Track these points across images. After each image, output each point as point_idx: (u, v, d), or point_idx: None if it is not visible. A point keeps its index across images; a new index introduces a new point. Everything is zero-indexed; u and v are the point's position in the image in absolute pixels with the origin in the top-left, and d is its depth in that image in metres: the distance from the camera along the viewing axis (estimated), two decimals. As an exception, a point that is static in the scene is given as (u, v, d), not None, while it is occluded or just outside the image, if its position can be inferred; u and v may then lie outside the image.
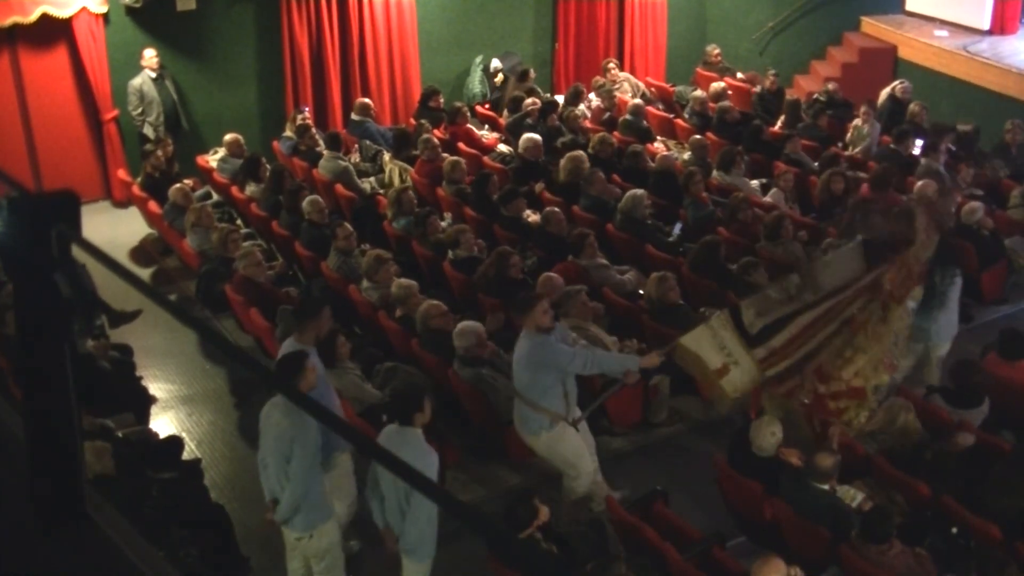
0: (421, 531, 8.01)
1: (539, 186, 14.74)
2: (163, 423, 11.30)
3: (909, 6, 20.22)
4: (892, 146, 15.67)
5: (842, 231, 10.83)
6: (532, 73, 18.68)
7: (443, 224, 13.63)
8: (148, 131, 16.38)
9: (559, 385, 9.14)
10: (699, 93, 18.07)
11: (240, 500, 10.07)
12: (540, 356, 9.05)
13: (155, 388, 11.77)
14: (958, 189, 13.52)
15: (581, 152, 15.11)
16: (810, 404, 9.09)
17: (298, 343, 8.88)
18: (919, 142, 15.50)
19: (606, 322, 11.38)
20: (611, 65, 19.28)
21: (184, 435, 10.93)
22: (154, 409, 11.39)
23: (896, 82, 17.48)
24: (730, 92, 18.37)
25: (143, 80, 16.35)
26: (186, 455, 10.36)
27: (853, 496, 8.74)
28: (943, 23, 19.45)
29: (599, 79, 18.88)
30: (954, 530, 8.48)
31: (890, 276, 8.71)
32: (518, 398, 9.33)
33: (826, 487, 8.60)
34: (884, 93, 17.27)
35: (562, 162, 14.82)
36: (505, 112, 17.87)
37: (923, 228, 8.86)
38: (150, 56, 16.39)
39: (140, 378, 11.51)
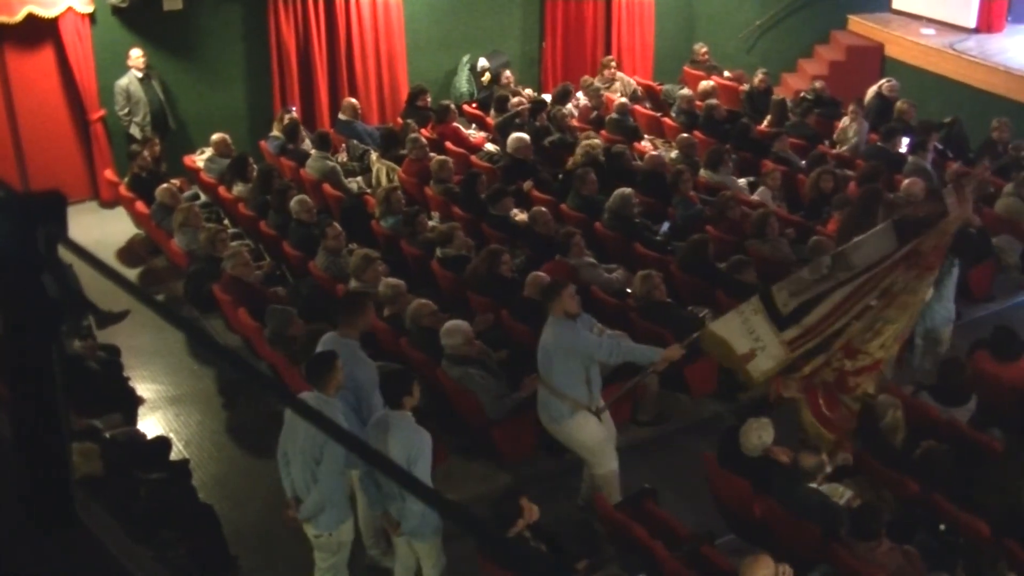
0: (422, 508, 8.03)
1: (528, 184, 14.74)
2: (151, 424, 11.28)
3: (896, 4, 20.26)
4: (880, 144, 15.70)
5: (852, 222, 10.93)
6: (508, 76, 18.64)
7: (431, 223, 13.62)
8: (135, 131, 16.37)
9: (583, 372, 9.22)
10: (687, 91, 18.09)
11: (228, 500, 10.07)
12: (567, 342, 9.15)
13: (143, 389, 11.75)
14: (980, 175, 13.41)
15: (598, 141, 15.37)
16: (832, 383, 9.11)
17: (341, 337, 8.96)
18: (906, 140, 15.55)
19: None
20: (612, 63, 19.31)
21: (172, 435, 10.92)
22: (142, 410, 11.37)
23: (883, 80, 17.50)
24: (718, 90, 18.39)
25: (130, 80, 16.33)
26: (174, 455, 10.36)
27: (842, 493, 8.76)
28: (930, 21, 19.50)
29: (588, 78, 18.89)
30: (943, 527, 8.50)
31: (928, 243, 8.82)
32: (541, 385, 9.38)
33: (814, 485, 8.63)
34: (871, 91, 17.30)
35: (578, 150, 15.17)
36: (492, 111, 17.88)
37: (953, 203, 8.92)
38: (137, 56, 16.36)
39: (128, 379, 11.49)
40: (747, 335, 8.93)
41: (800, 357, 8.99)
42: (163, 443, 10.30)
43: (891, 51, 19.34)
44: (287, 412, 8.34)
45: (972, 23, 19.03)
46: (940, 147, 15.49)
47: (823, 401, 9.06)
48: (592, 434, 9.43)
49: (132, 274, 14.41)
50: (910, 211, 9.39)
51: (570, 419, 9.34)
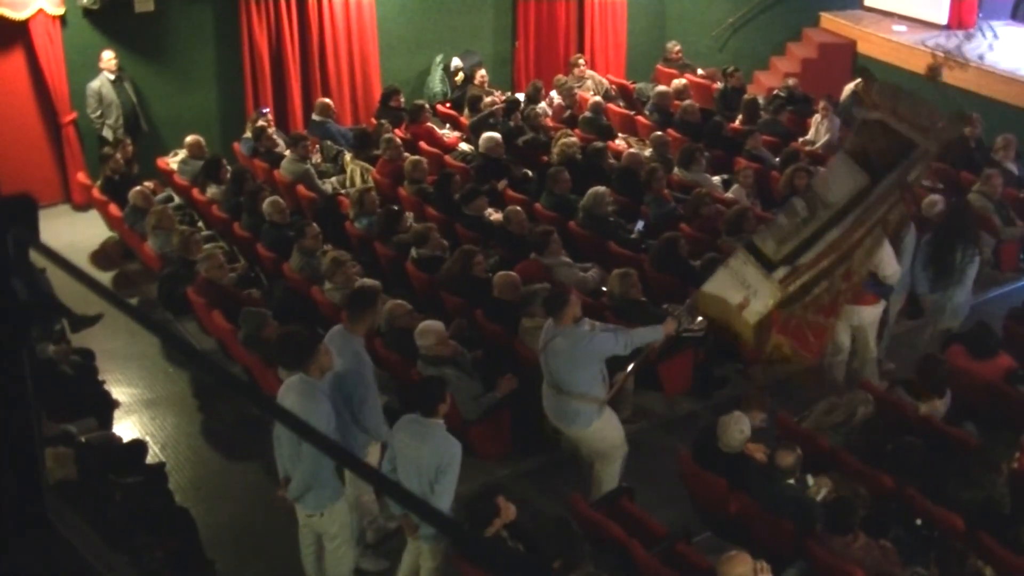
0: (445, 510, 8.12)
1: (502, 184, 14.75)
2: (126, 427, 11.24)
3: (868, 1, 20.33)
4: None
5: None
6: (482, 75, 18.64)
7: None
8: (107, 134, 16.32)
9: (600, 371, 9.37)
10: (661, 89, 18.11)
11: (205, 503, 10.05)
12: (588, 348, 9.23)
13: (118, 392, 11.72)
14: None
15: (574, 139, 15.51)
16: (827, 306, 9.57)
17: (348, 333, 8.98)
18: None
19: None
20: (580, 61, 19.33)
21: (148, 439, 10.89)
22: (117, 413, 11.33)
23: (859, 79, 17.56)
24: (691, 89, 18.43)
25: (101, 82, 16.27)
26: (150, 459, 10.33)
27: (818, 489, 8.79)
28: (901, 18, 19.55)
29: (561, 77, 18.90)
30: (918, 521, 8.54)
31: (915, 174, 9.32)
32: (559, 396, 9.42)
33: (791, 481, 8.66)
34: (847, 89, 17.34)
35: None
36: (466, 111, 17.88)
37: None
38: (108, 58, 16.30)
39: (102, 382, 11.45)
40: (739, 286, 9.28)
41: (798, 289, 9.29)
42: (139, 447, 10.26)
43: (863, 48, 19.41)
44: (278, 395, 8.41)
45: (944, 19, 19.10)
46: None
47: (810, 334, 9.51)
48: (617, 429, 9.63)
49: (106, 277, 14.36)
50: (857, 142, 9.62)
51: (599, 419, 9.43)
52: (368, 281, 11.38)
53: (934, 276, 11.34)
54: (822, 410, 9.72)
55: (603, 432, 9.52)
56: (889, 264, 10.69)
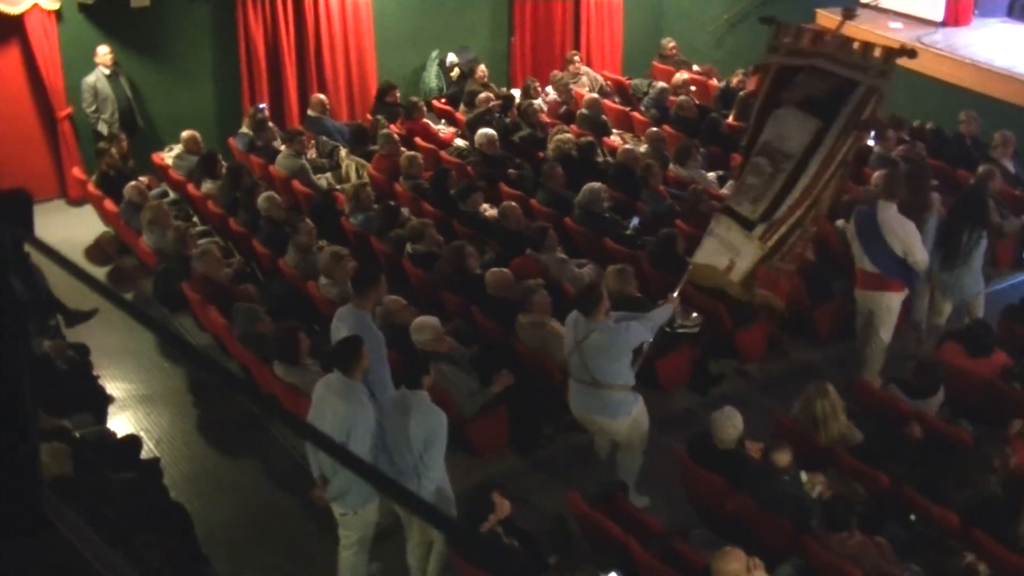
0: (436, 487, 8.36)
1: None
2: (121, 423, 11.23)
3: (864, -2, 20.30)
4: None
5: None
6: (482, 71, 18.63)
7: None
8: (103, 129, 16.28)
9: (630, 360, 9.52)
10: (662, 85, 18.11)
11: (200, 498, 10.04)
12: (625, 340, 9.39)
13: (113, 387, 11.70)
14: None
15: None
16: (798, 253, 9.93)
17: (357, 309, 9.30)
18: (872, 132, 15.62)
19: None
20: (575, 58, 19.32)
21: (143, 434, 10.86)
22: (112, 409, 11.33)
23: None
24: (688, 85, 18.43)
25: (97, 77, 16.24)
26: (145, 454, 10.32)
27: (812, 486, 8.80)
28: (897, 15, 19.53)
29: (557, 73, 18.90)
30: (912, 517, 8.55)
31: (868, 111, 9.48)
32: (597, 391, 9.49)
33: (786, 478, 8.66)
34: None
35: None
36: (462, 107, 17.88)
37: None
38: (104, 53, 16.27)
39: (98, 377, 11.44)
40: (724, 251, 9.61)
41: (777, 241, 9.54)
42: (134, 442, 10.26)
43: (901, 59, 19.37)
44: (315, 394, 8.57)
45: (940, 16, 19.07)
46: (907, 139, 15.58)
47: (781, 278, 9.84)
48: (647, 416, 9.77)
49: (101, 273, 14.32)
50: (798, 92, 9.76)
51: (636, 405, 9.61)
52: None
53: (943, 256, 11.51)
54: (799, 408, 9.73)
55: (639, 419, 9.67)
56: (919, 250, 10.89)
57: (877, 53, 9.76)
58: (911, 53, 9.74)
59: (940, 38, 18.35)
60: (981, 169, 13.41)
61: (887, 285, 11.12)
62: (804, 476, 8.86)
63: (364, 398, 8.34)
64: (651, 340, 9.70)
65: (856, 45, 9.87)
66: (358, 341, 8.56)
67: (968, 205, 11.79)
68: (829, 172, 9.45)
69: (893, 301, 11.26)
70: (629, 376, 9.48)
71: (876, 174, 13.59)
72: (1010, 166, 14.11)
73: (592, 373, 9.40)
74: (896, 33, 18.62)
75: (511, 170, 15.08)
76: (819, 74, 9.72)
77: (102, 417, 10.91)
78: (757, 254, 9.54)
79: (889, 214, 10.93)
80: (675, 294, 9.86)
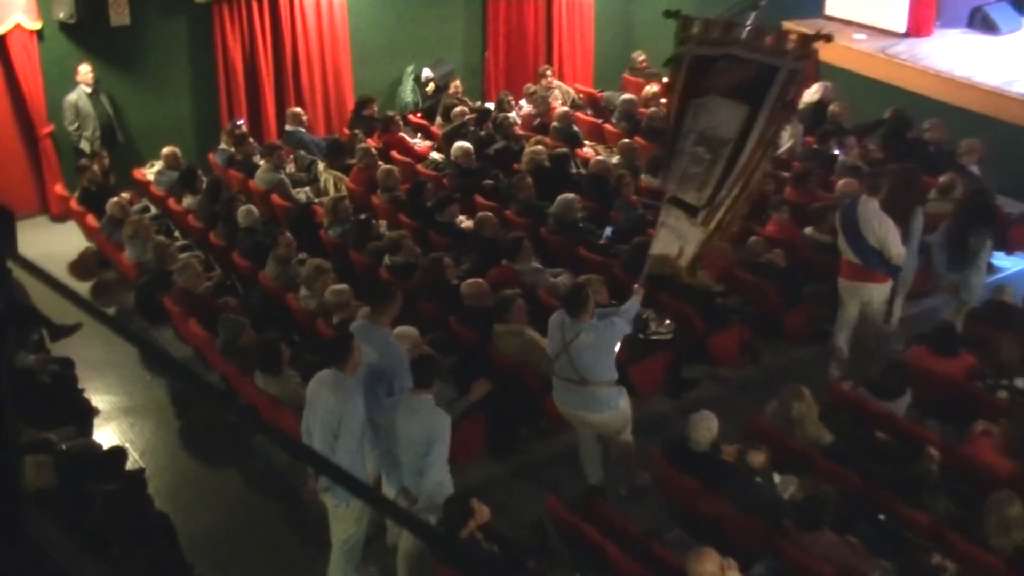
0: (441, 486, 8.37)
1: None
2: (105, 434, 11.17)
3: (829, 10, 20.36)
4: (815, 146, 15.83)
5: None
6: (456, 85, 18.62)
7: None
8: (84, 146, 16.25)
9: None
10: (628, 96, 18.14)
11: (184, 508, 9.99)
12: (612, 336, 9.51)
13: (97, 400, 11.64)
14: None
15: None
16: (734, 232, 10.37)
17: (373, 326, 9.21)
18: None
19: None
20: (548, 72, 19.33)
21: (127, 445, 10.82)
22: (96, 421, 11.26)
23: (817, 84, 17.60)
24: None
25: (78, 95, 16.20)
26: (129, 465, 10.26)
27: (786, 487, 8.82)
28: (862, 27, 19.61)
29: (530, 86, 18.91)
30: (882, 517, 8.57)
31: (792, 93, 9.68)
32: (586, 389, 9.53)
33: (760, 479, 8.68)
34: (808, 95, 17.38)
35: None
36: (438, 120, 17.89)
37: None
38: (85, 71, 16.23)
39: (81, 390, 11.40)
40: (675, 239, 9.75)
41: (717, 224, 9.71)
42: (118, 453, 10.21)
43: (825, 56, 19.35)
44: (308, 389, 8.63)
45: (902, 28, 19.17)
46: (872, 147, 15.65)
47: (714, 256, 10.39)
48: (630, 403, 9.83)
49: (83, 287, 14.26)
50: (724, 81, 9.87)
51: (621, 398, 9.66)
52: (338, 287, 11.35)
53: (949, 258, 11.75)
54: (773, 410, 9.75)
55: (626, 409, 9.74)
56: (895, 245, 11.14)
57: (793, 39, 9.95)
58: (827, 37, 9.98)
59: (903, 49, 18.46)
60: (943, 177, 13.50)
61: (870, 277, 11.40)
62: (777, 478, 8.88)
63: (354, 392, 8.38)
64: (629, 332, 9.80)
65: (769, 35, 10.05)
66: (349, 337, 8.66)
67: (974, 208, 11.99)
68: (759, 151, 9.64)
69: (875, 292, 11.50)
70: (614, 371, 9.54)
71: (842, 181, 13.72)
72: (976, 172, 14.17)
73: (580, 372, 9.42)
74: (860, 45, 18.72)
75: (487, 181, 15.08)
76: (738, 62, 9.86)
77: (87, 429, 10.86)
78: (701, 238, 9.72)
79: (868, 208, 11.20)
80: (638, 285, 9.91)
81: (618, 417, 9.70)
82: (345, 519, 8.62)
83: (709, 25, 10.42)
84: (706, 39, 10.30)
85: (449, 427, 8.39)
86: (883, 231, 11.14)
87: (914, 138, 15.55)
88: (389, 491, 8.72)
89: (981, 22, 19.31)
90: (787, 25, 19.32)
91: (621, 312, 9.62)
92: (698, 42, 10.33)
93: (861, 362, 11.42)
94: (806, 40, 9.93)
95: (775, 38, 9.97)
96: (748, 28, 10.27)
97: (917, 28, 19.08)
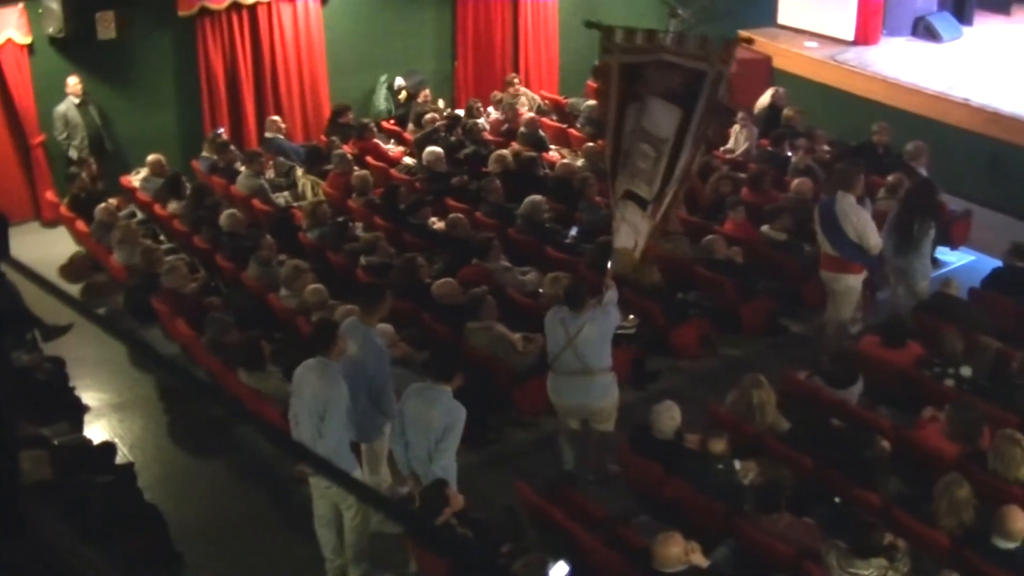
0: (446, 472, 8.43)
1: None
2: (97, 430, 11.12)
3: (781, 20, 20.44)
4: (770, 148, 15.90)
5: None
6: (426, 93, 18.59)
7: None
8: (73, 154, 16.17)
9: None
10: (592, 103, 18.16)
11: (173, 499, 9.96)
12: (612, 324, 9.72)
13: (88, 397, 11.58)
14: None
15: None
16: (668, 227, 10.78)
17: (362, 323, 9.25)
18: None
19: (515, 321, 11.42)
20: (515, 80, 19.33)
21: (117, 440, 10.82)
22: (88, 417, 11.21)
23: (771, 89, 17.66)
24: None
25: (67, 106, 16.13)
26: (120, 459, 10.24)
27: (746, 473, 8.85)
28: (813, 35, 19.69)
29: (498, 93, 18.91)
30: (837, 500, 8.61)
31: (721, 94, 9.83)
32: (590, 378, 9.64)
33: (721, 465, 8.72)
34: (762, 100, 17.45)
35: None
36: (410, 126, 17.89)
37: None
38: (74, 83, 16.16)
39: (74, 388, 11.34)
40: (632, 232, 9.85)
41: (661, 217, 9.92)
42: (109, 448, 10.21)
43: (779, 63, 19.50)
44: (295, 375, 8.67)
45: (851, 36, 19.26)
46: (827, 148, 15.73)
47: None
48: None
49: (74, 289, 14.17)
50: (659, 84, 9.95)
51: (614, 384, 9.78)
52: (315, 286, 11.36)
53: (896, 244, 11.88)
54: (733, 399, 9.78)
55: (616, 395, 9.85)
56: (872, 236, 11.33)
57: (715, 44, 10.01)
58: (748, 41, 10.11)
59: (852, 56, 18.55)
60: (891, 177, 13.57)
61: (847, 268, 11.57)
62: (738, 464, 8.91)
63: (339, 377, 8.45)
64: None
65: (691, 40, 10.15)
66: (332, 326, 8.83)
67: (917, 198, 12.17)
68: (697, 152, 9.90)
69: (851, 282, 11.67)
70: (609, 358, 9.69)
71: (796, 181, 13.83)
72: (923, 172, 14.24)
73: (585, 362, 9.53)
74: (811, 52, 18.79)
75: (454, 180, 15.07)
76: (666, 66, 9.95)
77: (79, 425, 10.82)
78: (648, 230, 9.85)
79: (846, 203, 11.35)
80: (608, 279, 9.99)
81: (614, 402, 9.83)
82: (339, 496, 8.64)
83: (631, 34, 10.43)
84: (630, 47, 10.31)
85: (464, 419, 8.47)
86: (861, 224, 11.32)
87: (863, 141, 15.61)
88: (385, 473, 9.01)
89: (924, 31, 19.41)
90: (742, 34, 19.47)
91: (606, 303, 9.69)
92: (623, 50, 10.34)
93: (821, 347, 11.52)
94: (728, 43, 10.02)
95: (699, 43, 10.02)
96: (671, 35, 10.36)
97: (865, 36, 19.17)
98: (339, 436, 8.43)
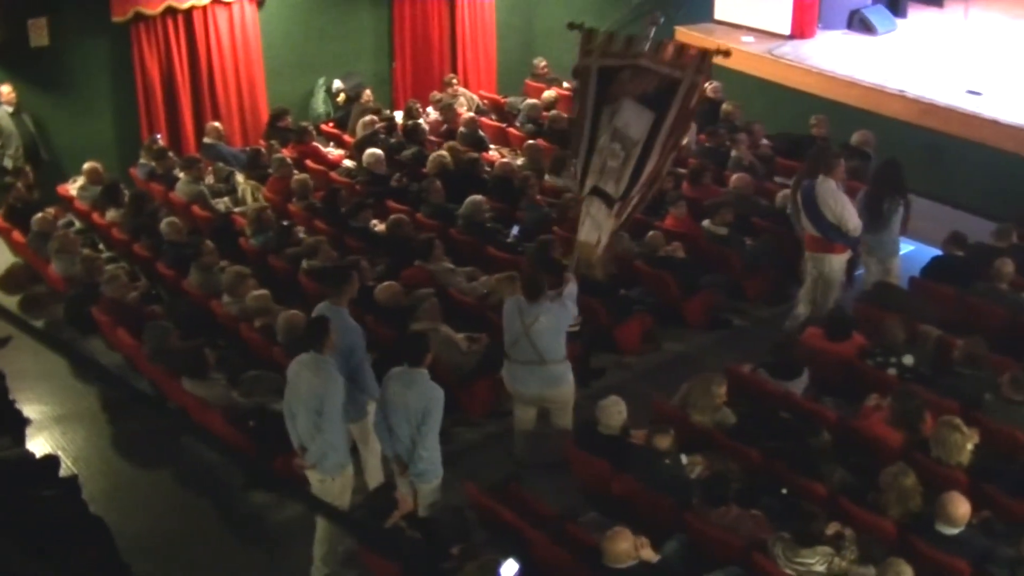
0: (430, 455, 8.67)
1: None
2: (39, 443, 11.02)
3: (718, 15, 20.51)
4: (708, 144, 15.98)
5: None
6: (368, 95, 18.54)
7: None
8: (8, 164, 16.00)
9: None
10: (531, 101, 18.19)
11: (118, 511, 9.88)
12: (566, 316, 9.89)
13: (29, 410, 11.48)
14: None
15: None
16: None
17: (333, 305, 9.50)
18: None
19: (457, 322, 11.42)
20: (453, 80, 19.33)
21: (60, 453, 10.73)
22: (29, 430, 11.10)
23: (708, 84, 17.73)
24: (560, 100, 18.51)
25: (1, 115, 15.95)
26: (63, 472, 10.14)
27: (693, 467, 8.91)
28: (749, 30, 19.79)
29: (437, 94, 18.90)
30: (783, 491, 8.67)
31: (691, 103, 10.07)
32: (545, 368, 9.84)
33: (668, 460, 8.76)
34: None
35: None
36: (349, 129, 17.85)
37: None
38: (7, 91, 15.98)
39: (14, 401, 11.22)
40: (595, 228, 10.04)
41: (626, 218, 10.28)
42: (52, 461, 10.11)
43: (716, 58, 19.59)
44: (289, 371, 8.85)
45: (787, 30, 19.37)
46: (767, 141, 15.85)
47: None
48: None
49: (12, 301, 14.04)
50: (634, 88, 10.15)
51: (569, 374, 10.02)
52: (258, 292, 11.32)
53: (867, 220, 12.01)
54: (684, 392, 9.84)
55: (572, 384, 10.05)
56: (851, 219, 11.70)
57: (692, 54, 10.22)
58: (726, 53, 10.25)
59: (789, 50, 18.65)
60: (849, 164, 13.73)
61: (830, 248, 11.93)
62: (684, 458, 8.97)
63: (333, 370, 8.63)
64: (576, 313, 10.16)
65: (669, 48, 10.38)
66: (324, 320, 8.92)
67: (885, 177, 12.39)
68: (666, 153, 10.06)
69: (835, 262, 12.02)
70: (564, 349, 9.87)
71: (735, 176, 13.93)
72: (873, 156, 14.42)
73: (540, 352, 9.71)
74: (749, 46, 18.89)
75: (394, 182, 15.05)
76: (642, 72, 10.18)
77: (20, 439, 10.71)
78: (611, 228, 10.10)
79: (825, 187, 11.75)
80: (570, 272, 10.15)
81: (570, 391, 10.03)
82: (330, 494, 8.63)
83: (611, 38, 10.59)
84: (608, 51, 10.48)
85: (443, 401, 8.61)
86: (839, 207, 11.69)
87: (801, 134, 15.73)
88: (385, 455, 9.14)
89: (860, 23, 19.54)
90: (678, 30, 19.58)
91: (565, 296, 9.85)
92: (601, 53, 10.46)
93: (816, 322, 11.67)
94: (705, 54, 10.12)
95: (675, 52, 10.23)
96: (649, 42, 10.43)
97: (800, 30, 19.29)
98: (337, 430, 8.62)
